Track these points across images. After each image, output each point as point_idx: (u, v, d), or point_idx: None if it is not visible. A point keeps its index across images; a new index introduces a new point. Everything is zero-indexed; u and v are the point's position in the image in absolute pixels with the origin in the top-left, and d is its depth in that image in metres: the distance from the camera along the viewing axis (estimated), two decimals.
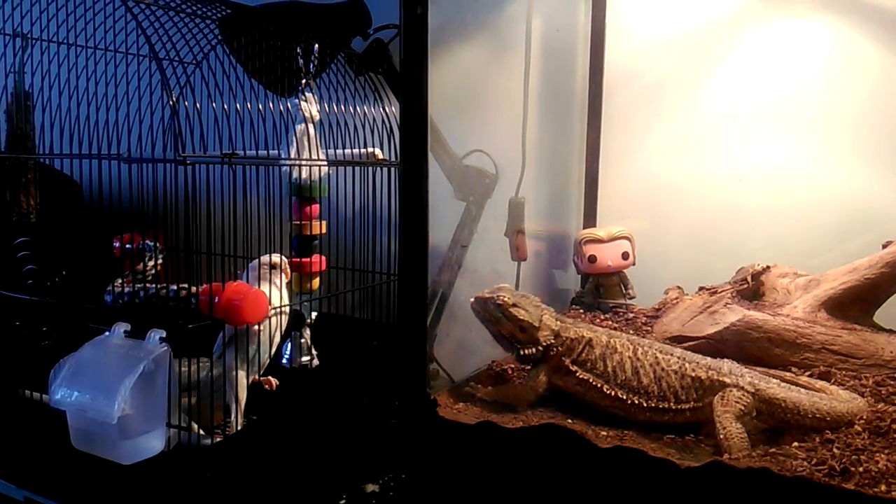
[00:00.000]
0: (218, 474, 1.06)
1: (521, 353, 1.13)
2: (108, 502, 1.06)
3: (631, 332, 1.42)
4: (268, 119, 1.16)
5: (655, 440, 1.02)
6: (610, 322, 1.49)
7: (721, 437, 0.98)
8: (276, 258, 1.19)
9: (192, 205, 1.06)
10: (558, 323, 1.15)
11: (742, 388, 1.02)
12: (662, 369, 1.07)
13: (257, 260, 1.19)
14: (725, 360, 1.11)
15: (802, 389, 1.06)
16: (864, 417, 1.01)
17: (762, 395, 1.02)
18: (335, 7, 1.43)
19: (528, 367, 1.16)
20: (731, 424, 0.98)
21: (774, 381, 1.05)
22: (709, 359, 1.10)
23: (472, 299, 1.17)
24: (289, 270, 1.21)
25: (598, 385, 1.08)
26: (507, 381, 1.23)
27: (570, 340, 1.13)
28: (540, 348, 1.13)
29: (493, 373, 1.26)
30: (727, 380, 1.04)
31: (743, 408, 1.00)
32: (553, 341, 1.13)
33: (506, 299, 1.14)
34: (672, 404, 1.04)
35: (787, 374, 1.20)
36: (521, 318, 1.13)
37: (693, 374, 1.05)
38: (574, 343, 1.13)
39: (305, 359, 1.32)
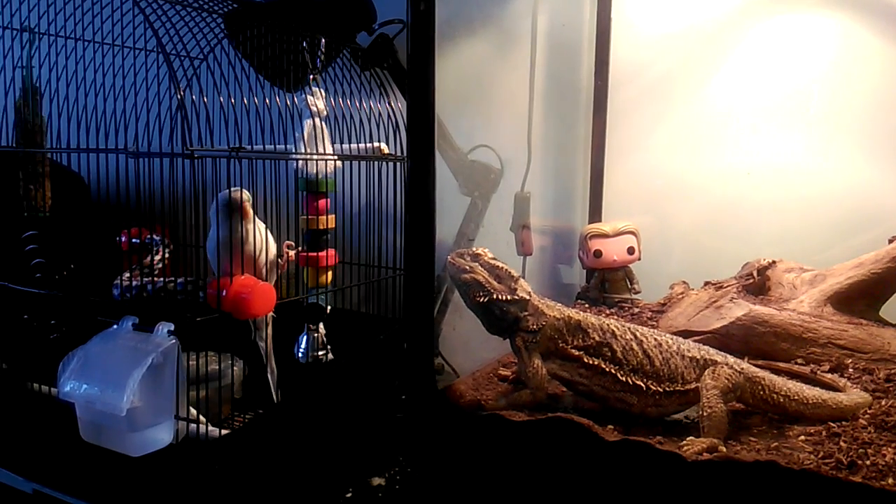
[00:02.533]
0: (226, 467, 1.06)
1: (494, 297, 1.08)
2: (117, 494, 1.06)
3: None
4: (274, 113, 1.16)
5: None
6: (615, 317, 1.49)
7: (704, 413, 0.98)
8: (236, 193, 1.10)
9: (199, 199, 1.06)
10: (537, 297, 1.11)
11: (731, 365, 1.04)
12: (666, 350, 1.06)
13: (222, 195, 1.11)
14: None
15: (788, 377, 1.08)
16: (869, 412, 1.02)
17: (747, 372, 1.04)
18: (340, 2, 1.43)
19: (517, 351, 1.10)
20: (717, 403, 0.99)
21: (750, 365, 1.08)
22: (690, 341, 1.10)
23: (448, 257, 1.14)
24: (249, 209, 1.13)
25: (612, 371, 1.05)
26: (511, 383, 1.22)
27: (555, 320, 1.09)
28: (515, 297, 1.09)
29: (498, 376, 1.26)
30: (718, 358, 1.05)
31: (731, 385, 1.01)
32: (530, 313, 1.09)
33: (485, 251, 1.12)
34: (680, 385, 1.04)
35: (796, 366, 1.21)
36: (500, 265, 1.11)
37: (689, 355, 1.05)
38: (562, 324, 1.09)
39: (320, 353, 1.32)
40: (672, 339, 1.08)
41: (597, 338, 1.07)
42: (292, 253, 1.26)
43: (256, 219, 1.16)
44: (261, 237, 1.14)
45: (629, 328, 1.09)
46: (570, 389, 1.11)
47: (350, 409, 1.30)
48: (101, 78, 1.17)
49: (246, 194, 1.12)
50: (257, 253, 1.13)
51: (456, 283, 1.13)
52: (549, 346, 1.08)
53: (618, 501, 0.95)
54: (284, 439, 1.17)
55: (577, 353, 1.07)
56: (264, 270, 1.17)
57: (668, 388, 1.04)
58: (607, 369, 1.05)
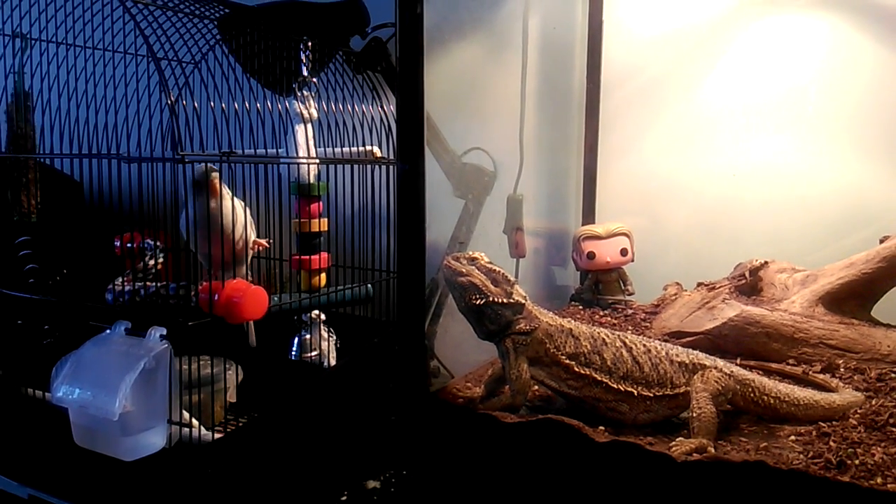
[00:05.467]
0: (219, 470, 1.07)
1: (491, 299, 1.07)
2: (111, 498, 1.07)
3: (629, 328, 1.43)
4: (266, 118, 1.16)
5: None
6: (609, 318, 1.50)
7: (693, 415, 0.99)
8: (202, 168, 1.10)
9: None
10: (531, 304, 1.10)
11: (720, 369, 1.04)
12: (655, 356, 1.06)
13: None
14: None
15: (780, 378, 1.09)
16: (859, 412, 1.03)
17: (736, 375, 1.05)
18: (333, 6, 1.44)
19: (504, 353, 1.08)
20: (706, 405, 0.99)
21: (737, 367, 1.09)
22: (678, 346, 1.10)
23: (445, 261, 1.12)
24: (217, 186, 1.13)
25: (603, 380, 1.04)
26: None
27: (548, 325, 1.08)
28: (511, 301, 1.08)
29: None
30: (706, 362, 1.06)
31: (721, 388, 1.02)
32: (523, 316, 1.08)
33: (481, 255, 1.11)
34: (669, 390, 1.03)
35: (788, 367, 1.22)
36: (497, 269, 1.10)
37: (678, 359, 1.06)
38: (554, 330, 1.08)
39: (312, 354, 1.33)
40: (661, 344, 1.09)
41: (588, 346, 1.07)
42: (264, 242, 1.26)
43: (231, 196, 1.16)
44: (232, 212, 1.15)
45: (619, 336, 1.09)
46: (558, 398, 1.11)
47: (345, 412, 1.31)
48: (94, 83, 1.18)
49: (214, 171, 1.12)
50: (229, 230, 1.13)
51: (451, 285, 1.12)
52: (539, 350, 1.08)
53: (608, 501, 0.95)
54: (279, 443, 1.18)
55: (567, 361, 1.07)
56: (242, 244, 1.17)
57: (657, 393, 1.04)
58: (599, 378, 1.05)
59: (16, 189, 1.30)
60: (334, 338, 1.37)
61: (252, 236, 1.24)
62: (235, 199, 1.17)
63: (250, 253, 1.24)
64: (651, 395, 1.03)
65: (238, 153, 1.08)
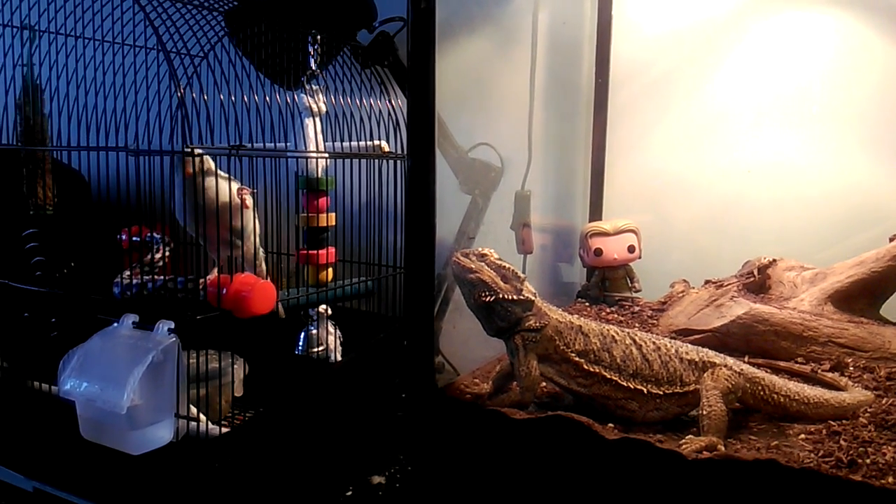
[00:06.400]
0: (226, 465, 1.07)
1: (500, 296, 1.06)
2: (117, 492, 1.06)
3: (636, 325, 1.42)
4: (274, 111, 1.16)
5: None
6: (616, 315, 1.49)
7: (704, 412, 0.99)
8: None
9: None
10: (541, 300, 1.10)
11: (730, 367, 1.04)
12: (665, 353, 1.05)
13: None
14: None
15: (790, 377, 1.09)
16: (869, 411, 1.02)
17: (746, 374, 1.04)
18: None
19: (514, 349, 1.08)
20: (716, 403, 0.99)
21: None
22: (688, 344, 1.10)
23: (454, 257, 1.12)
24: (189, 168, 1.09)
25: (613, 378, 1.04)
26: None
27: (558, 322, 1.08)
28: (521, 297, 1.07)
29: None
30: (716, 360, 1.05)
31: (731, 386, 1.02)
32: (533, 313, 1.07)
33: (491, 251, 1.11)
34: (679, 388, 1.03)
35: (797, 365, 1.21)
36: (506, 266, 1.09)
37: (688, 357, 1.05)
38: (563, 327, 1.08)
39: (319, 350, 1.33)
40: (670, 342, 1.08)
41: (597, 343, 1.07)
42: (248, 199, 1.20)
43: (229, 178, 1.13)
44: (225, 193, 1.12)
45: (628, 333, 1.09)
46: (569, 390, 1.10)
47: (351, 408, 1.30)
48: (102, 76, 1.17)
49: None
50: (211, 206, 1.10)
51: (461, 282, 1.11)
52: (548, 347, 1.07)
53: (618, 499, 0.95)
54: (285, 437, 1.17)
55: (577, 358, 1.06)
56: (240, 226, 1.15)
57: (667, 391, 1.03)
58: (608, 376, 1.05)
59: (31, 182, 1.29)
60: (338, 333, 1.37)
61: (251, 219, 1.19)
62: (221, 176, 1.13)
63: (250, 227, 1.20)
64: (661, 392, 1.03)
65: (247, 146, 1.08)
